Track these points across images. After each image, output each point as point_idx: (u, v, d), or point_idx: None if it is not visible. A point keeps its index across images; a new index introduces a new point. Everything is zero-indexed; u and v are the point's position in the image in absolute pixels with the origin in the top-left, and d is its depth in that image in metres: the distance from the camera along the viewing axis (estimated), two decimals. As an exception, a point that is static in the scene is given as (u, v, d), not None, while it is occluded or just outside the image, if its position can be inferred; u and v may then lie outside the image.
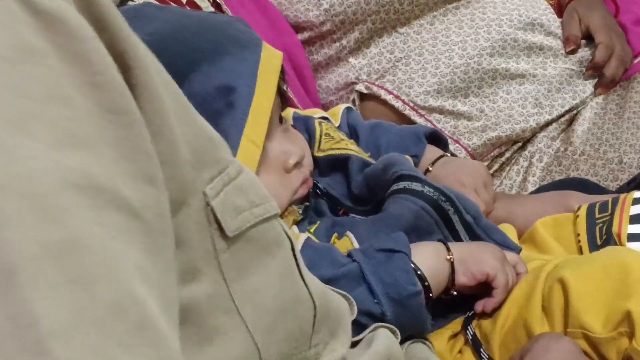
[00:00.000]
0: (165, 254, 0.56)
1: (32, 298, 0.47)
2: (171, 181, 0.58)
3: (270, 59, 0.95)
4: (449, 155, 1.32)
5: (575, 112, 1.71)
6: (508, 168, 1.71)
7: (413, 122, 1.65)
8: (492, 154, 1.69)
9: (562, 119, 1.71)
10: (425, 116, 1.66)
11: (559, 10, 1.82)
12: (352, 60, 1.70)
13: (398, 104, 1.66)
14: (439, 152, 1.28)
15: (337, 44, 1.70)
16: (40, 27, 0.52)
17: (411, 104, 1.66)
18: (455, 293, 0.95)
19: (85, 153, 0.52)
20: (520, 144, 1.71)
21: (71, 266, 0.49)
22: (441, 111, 1.67)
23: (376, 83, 1.68)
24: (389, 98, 1.66)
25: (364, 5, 1.64)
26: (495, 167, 1.71)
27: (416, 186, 1.00)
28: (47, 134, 0.51)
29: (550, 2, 1.83)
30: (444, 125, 1.66)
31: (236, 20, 1.01)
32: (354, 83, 1.70)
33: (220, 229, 0.64)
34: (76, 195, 0.50)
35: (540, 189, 1.41)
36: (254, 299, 0.67)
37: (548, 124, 1.70)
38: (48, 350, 0.46)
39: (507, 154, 1.71)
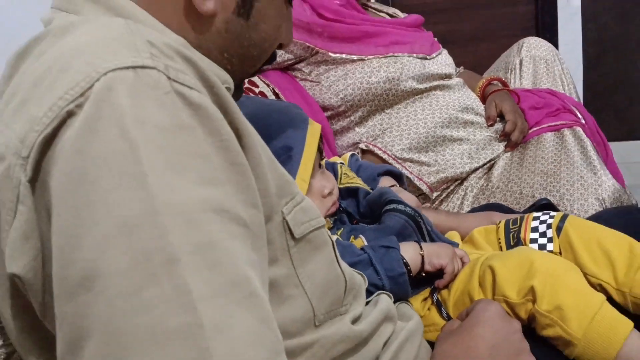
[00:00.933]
0: (262, 250, 0.56)
1: (187, 276, 0.46)
2: (265, 205, 0.58)
3: (313, 129, 0.93)
4: (397, 186, 1.23)
5: (493, 162, 1.68)
6: (452, 196, 1.68)
7: (399, 165, 1.63)
8: (442, 187, 1.66)
9: (485, 166, 1.68)
10: (402, 164, 1.64)
11: (483, 99, 1.78)
12: (357, 129, 1.69)
13: (385, 156, 1.64)
14: (392, 182, 1.22)
15: (348, 119, 1.68)
16: (191, 113, 0.51)
17: (393, 156, 1.64)
18: (424, 274, 0.93)
19: (218, 189, 0.51)
20: (459, 181, 1.67)
21: (210, 257, 0.48)
22: (411, 161, 1.65)
23: (372, 143, 1.66)
24: (379, 153, 1.65)
25: (365, 96, 1.63)
26: (444, 195, 1.67)
27: (401, 207, 0.98)
28: (195, 177, 0.50)
29: (478, 94, 1.80)
30: (413, 169, 1.64)
31: (293, 105, 0.99)
32: (358, 143, 1.68)
33: (291, 234, 0.63)
34: (213, 214, 0.50)
35: (473, 210, 1.38)
36: (311, 277, 0.66)
37: (476, 169, 1.67)
38: (196, 309, 0.46)
39: (451, 187, 1.67)
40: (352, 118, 1.68)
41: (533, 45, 1.94)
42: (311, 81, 1.67)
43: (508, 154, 1.68)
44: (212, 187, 0.51)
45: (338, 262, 0.70)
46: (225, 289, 0.48)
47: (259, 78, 1.54)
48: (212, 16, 0.65)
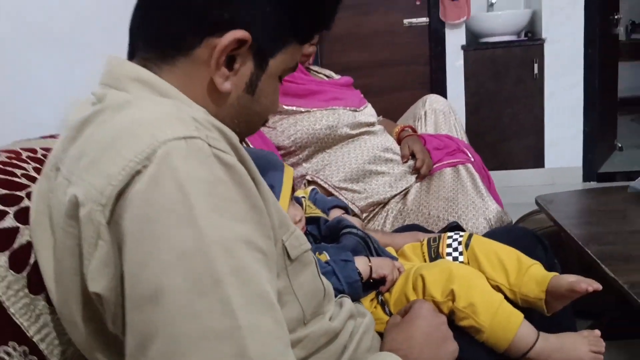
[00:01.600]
0: (274, 270, 0.59)
1: (228, 291, 0.50)
2: (273, 237, 0.61)
3: (288, 171, 0.96)
4: (345, 214, 1.24)
5: (407, 190, 1.72)
6: (377, 217, 1.70)
7: (333, 194, 1.65)
8: (369, 210, 1.69)
9: (402, 193, 1.71)
10: (339, 192, 1.66)
11: (399, 141, 1.82)
12: (304, 164, 1.70)
13: (326, 186, 1.66)
14: (341, 212, 1.24)
15: (297, 157, 1.69)
16: (225, 170, 0.54)
17: (332, 186, 1.66)
18: (372, 281, 0.95)
19: (245, 226, 0.54)
20: (382, 205, 1.70)
21: (243, 277, 0.52)
22: (346, 189, 1.67)
23: (315, 176, 1.68)
24: (322, 183, 1.66)
25: (310, 140, 1.64)
26: (371, 216, 1.70)
27: (354, 230, 1.01)
28: (230, 217, 0.53)
29: (394, 137, 1.85)
30: (347, 196, 1.67)
31: (270, 152, 1.00)
32: (305, 175, 1.69)
33: (289, 256, 0.66)
34: (243, 245, 0.53)
35: (398, 230, 1.39)
36: (301, 288, 0.68)
37: (395, 195, 1.70)
38: (236, 315, 0.50)
39: (376, 210, 1.70)
40: (300, 156, 1.69)
41: (434, 101, 2.03)
42: (268, 127, 1.68)
43: (418, 184, 1.73)
44: (242, 224, 0.54)
45: (319, 276, 0.73)
46: (254, 299, 0.52)
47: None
48: (228, 94, 0.67)
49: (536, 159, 3.47)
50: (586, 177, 3.46)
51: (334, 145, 1.70)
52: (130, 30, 0.69)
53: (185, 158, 0.52)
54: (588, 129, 3.41)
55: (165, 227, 0.50)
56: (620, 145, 4.04)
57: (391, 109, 2.55)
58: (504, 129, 3.46)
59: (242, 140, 0.76)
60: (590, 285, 0.92)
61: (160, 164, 0.51)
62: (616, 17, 3.77)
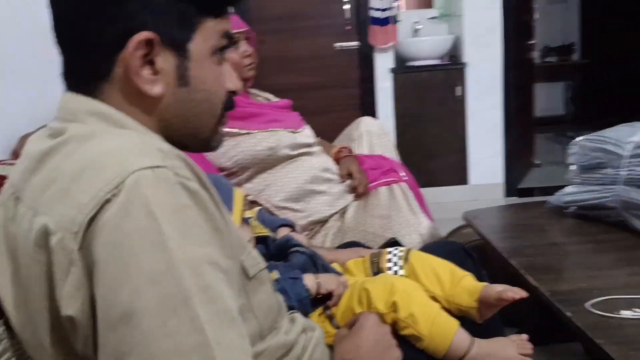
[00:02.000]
0: (235, 288, 0.62)
1: (197, 309, 0.53)
2: (233, 256, 0.64)
3: (238, 194, 1.00)
4: (292, 232, 1.29)
5: (346, 208, 1.78)
6: (317, 235, 1.75)
7: (275, 215, 1.68)
8: (310, 228, 1.74)
9: (340, 212, 1.78)
10: (280, 211, 1.70)
11: (337, 162, 1.89)
12: (246, 185, 1.73)
13: (268, 205, 1.70)
14: (288, 230, 1.28)
15: (239, 177, 1.73)
16: (189, 196, 0.57)
17: (274, 206, 1.70)
18: (319, 296, 0.99)
19: (209, 248, 0.57)
20: (322, 223, 1.76)
21: (210, 294, 0.55)
22: (287, 208, 1.72)
23: (258, 196, 1.71)
24: (264, 203, 1.70)
25: (252, 161, 1.69)
26: (311, 235, 1.75)
27: (302, 249, 1.05)
28: (196, 240, 0.56)
29: (332, 158, 1.90)
30: (288, 215, 1.69)
31: (220, 176, 1.04)
32: (247, 196, 1.58)
33: (247, 275, 0.69)
34: (208, 265, 0.56)
35: (340, 247, 1.42)
36: (259, 305, 0.71)
37: (334, 214, 1.77)
38: (205, 330, 0.52)
39: (317, 228, 1.76)
40: (242, 177, 1.72)
41: (368, 123, 2.13)
42: (209, 149, 1.70)
43: (356, 202, 1.79)
44: (206, 247, 0.57)
45: (274, 292, 0.77)
46: (220, 316, 0.55)
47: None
48: (162, 96, 0.65)
49: (461, 176, 3.64)
50: (508, 193, 3.67)
51: (274, 166, 1.74)
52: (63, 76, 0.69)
53: (153, 186, 0.55)
54: (508, 148, 3.63)
55: (136, 252, 0.53)
56: (538, 162, 4.31)
57: (324, 130, 2.61)
58: (431, 148, 3.62)
59: (214, 133, 0.73)
60: (517, 293, 1.00)
61: (130, 192, 0.54)
62: (531, 42, 4.05)
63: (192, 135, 0.70)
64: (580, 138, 1.71)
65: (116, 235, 0.53)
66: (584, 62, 6.33)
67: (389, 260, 1.14)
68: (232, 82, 0.72)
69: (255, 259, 0.72)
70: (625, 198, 1.53)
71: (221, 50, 0.69)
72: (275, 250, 1.09)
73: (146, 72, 0.63)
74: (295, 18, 3.56)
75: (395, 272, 1.11)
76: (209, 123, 0.70)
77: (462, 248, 1.30)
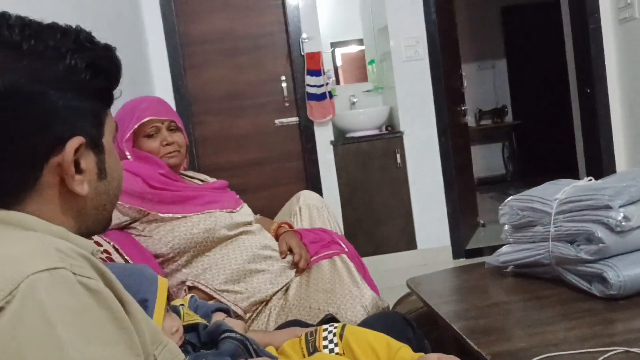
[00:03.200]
0: None
1: None
2: (144, 353, 0.61)
3: (162, 283, 0.97)
4: (227, 317, 1.25)
5: (288, 285, 1.75)
6: (260, 315, 1.71)
7: (214, 298, 1.65)
8: (252, 309, 1.70)
9: (283, 289, 1.74)
10: (221, 294, 1.66)
11: (276, 238, 1.87)
12: (183, 270, 1.69)
13: (207, 290, 1.66)
14: (223, 315, 1.25)
15: (176, 263, 1.69)
16: (91, 295, 0.56)
17: (214, 289, 1.66)
18: None
19: (114, 348, 0.56)
20: (264, 303, 1.72)
21: None
22: (228, 291, 1.67)
23: (196, 280, 1.67)
24: (203, 288, 1.66)
25: (189, 244, 1.65)
26: (254, 315, 1.70)
27: (232, 334, 1.02)
28: (99, 342, 0.55)
29: (272, 234, 1.89)
30: (229, 298, 1.67)
31: (144, 266, 1.00)
32: (185, 281, 1.68)
33: None
34: None
35: (280, 326, 1.41)
36: None
37: (277, 292, 1.73)
38: None
39: (259, 308, 1.71)
40: (179, 262, 1.68)
41: (307, 196, 2.12)
42: (144, 236, 1.67)
43: (298, 278, 1.77)
44: (111, 348, 0.55)
45: None
46: None
47: (101, 237, 1.52)
48: (87, 193, 0.68)
49: (409, 242, 3.68)
50: (455, 255, 3.72)
51: (212, 247, 1.71)
52: None
53: (50, 290, 0.54)
54: (451, 210, 3.72)
55: None
56: (482, 222, 4.42)
57: (269, 205, 2.63)
58: (377, 215, 3.67)
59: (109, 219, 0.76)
60: (451, 361, 1.01)
61: (24, 298, 0.52)
62: (463, 108, 4.25)
63: (103, 219, 0.73)
64: (509, 199, 1.77)
65: (11, 344, 0.51)
66: (516, 123, 6.66)
67: (325, 338, 1.12)
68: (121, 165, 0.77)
69: (172, 352, 0.70)
70: (556, 254, 1.57)
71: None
72: (207, 338, 1.06)
73: (76, 174, 0.66)
74: (236, 97, 3.65)
75: (332, 350, 1.10)
76: (113, 208, 0.75)
77: (402, 318, 1.31)
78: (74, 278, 0.56)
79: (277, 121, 3.69)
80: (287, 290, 1.77)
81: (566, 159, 4.31)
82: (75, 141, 0.65)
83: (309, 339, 1.14)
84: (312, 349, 1.11)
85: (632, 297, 1.40)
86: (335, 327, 1.13)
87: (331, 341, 1.11)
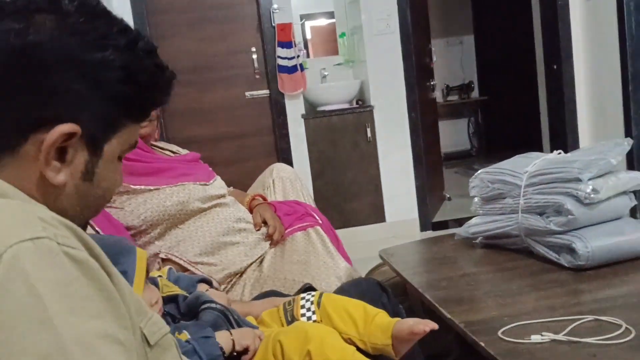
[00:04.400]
0: (134, 356, 0.58)
1: None
2: (132, 326, 0.60)
3: (141, 255, 0.94)
4: (210, 289, 1.23)
5: (263, 257, 1.75)
6: (234, 287, 1.71)
7: (188, 270, 1.64)
8: (227, 280, 1.69)
9: (257, 261, 1.74)
10: (195, 266, 1.65)
11: (250, 210, 1.87)
12: (156, 242, 1.68)
13: (181, 262, 1.65)
14: (206, 287, 1.23)
15: (149, 235, 1.67)
16: (76, 266, 0.54)
17: (188, 261, 1.65)
18: (235, 353, 0.97)
19: (102, 320, 0.54)
20: (239, 274, 1.72)
21: None
22: (202, 263, 1.67)
23: (170, 253, 1.66)
24: (177, 260, 1.65)
25: (161, 217, 1.63)
26: (229, 287, 1.70)
27: (213, 305, 1.02)
28: (86, 314, 0.53)
29: (246, 207, 1.88)
30: (203, 270, 1.66)
31: (122, 238, 0.99)
32: (158, 254, 1.67)
33: (148, 342, 0.65)
34: (101, 340, 0.53)
35: (257, 297, 1.41)
36: None
37: (251, 264, 1.73)
38: None
39: (234, 280, 1.71)
40: (152, 234, 1.66)
41: (280, 169, 2.12)
42: (116, 207, 1.63)
43: (273, 250, 1.77)
44: (99, 320, 0.54)
45: (180, 358, 0.73)
46: None
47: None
48: (64, 186, 0.65)
49: (378, 215, 3.72)
50: (423, 227, 3.78)
51: (186, 220, 1.70)
52: None
53: (34, 260, 0.52)
54: (419, 184, 3.76)
55: (21, 333, 0.49)
56: (448, 195, 4.49)
57: (240, 179, 2.61)
58: (347, 189, 3.68)
59: (86, 224, 0.75)
60: (427, 325, 1.03)
61: (9, 268, 0.51)
62: (432, 83, 4.27)
63: (78, 222, 0.68)
64: (480, 171, 1.80)
65: None
66: (482, 99, 6.74)
67: (303, 307, 1.13)
68: (121, 182, 0.74)
69: (156, 324, 0.68)
70: (525, 225, 1.61)
71: (125, 154, 0.72)
72: (186, 309, 1.05)
73: (54, 159, 0.63)
74: (205, 69, 3.58)
75: (309, 318, 1.11)
76: (92, 215, 0.72)
77: (376, 284, 1.32)
78: (58, 248, 0.54)
79: (247, 94, 3.65)
80: (261, 262, 1.77)
81: (530, 135, 4.39)
82: (68, 127, 0.62)
83: (287, 308, 1.15)
84: (291, 318, 1.12)
85: (599, 268, 1.46)
86: (312, 296, 1.15)
87: (309, 309, 1.12)
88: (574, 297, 1.36)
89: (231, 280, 1.72)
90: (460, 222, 3.68)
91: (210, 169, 1.90)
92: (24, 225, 0.54)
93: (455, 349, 1.78)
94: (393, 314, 1.12)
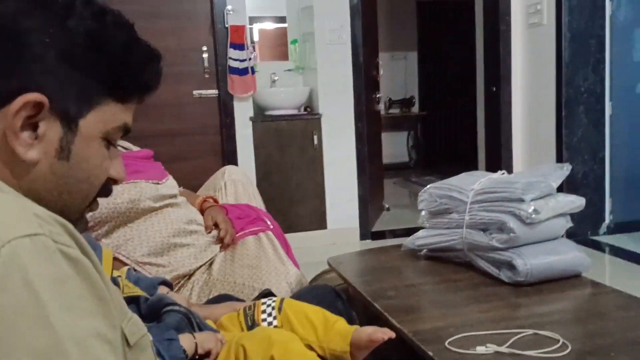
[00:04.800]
0: (119, 356, 0.60)
1: None
2: (117, 325, 0.61)
3: (107, 254, 0.95)
4: (171, 292, 1.25)
5: (212, 260, 1.74)
6: (182, 289, 1.69)
7: (136, 270, 1.59)
8: (175, 282, 1.66)
9: (207, 264, 1.73)
10: (142, 267, 1.62)
11: (202, 212, 1.85)
12: (103, 240, 1.63)
13: (128, 262, 1.61)
14: (166, 289, 1.23)
15: (95, 233, 1.61)
16: (70, 265, 0.54)
17: (135, 261, 1.62)
18: (197, 357, 0.96)
19: (94, 319, 0.55)
20: (188, 277, 1.70)
21: None
22: (150, 264, 1.64)
23: (116, 251, 1.62)
24: (123, 259, 1.61)
25: (110, 214, 1.59)
26: (176, 289, 1.66)
27: (176, 308, 1.01)
28: (80, 312, 0.54)
29: (197, 208, 1.87)
30: (150, 271, 1.63)
31: (88, 235, 0.98)
32: None
33: (127, 343, 0.64)
34: (94, 339, 0.54)
35: (211, 301, 1.39)
36: None
37: (201, 266, 1.71)
38: None
39: (182, 282, 1.69)
40: (99, 232, 1.62)
41: (232, 172, 2.12)
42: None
43: (223, 254, 1.76)
44: (91, 319, 0.55)
45: (155, 357, 0.73)
46: None
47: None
48: (35, 163, 0.62)
49: (320, 221, 3.76)
50: (362, 236, 3.85)
51: (136, 219, 1.66)
52: None
53: (32, 256, 0.52)
54: (361, 193, 3.83)
55: (18, 329, 0.49)
56: (387, 206, 4.59)
57: (185, 177, 2.57)
58: (291, 194, 3.71)
59: (80, 216, 0.71)
60: (386, 334, 1.06)
61: (6, 263, 0.50)
62: (377, 95, 4.36)
63: (59, 211, 0.64)
64: (429, 186, 1.86)
65: None
66: (422, 114, 6.95)
67: (263, 312, 1.14)
68: (118, 171, 0.71)
69: (136, 325, 0.68)
70: (469, 240, 1.68)
71: (114, 139, 0.69)
72: (147, 311, 1.04)
73: (25, 134, 0.61)
74: (153, 64, 3.49)
75: (270, 323, 1.12)
76: (79, 205, 0.69)
77: (331, 290, 1.35)
78: (54, 246, 0.54)
79: (195, 92, 3.60)
80: (211, 265, 1.75)
81: (466, 152, 4.57)
82: (33, 96, 0.59)
83: (248, 312, 1.15)
84: (251, 323, 1.13)
85: (537, 284, 1.54)
86: (273, 301, 1.15)
87: (270, 314, 1.13)
88: (514, 311, 1.43)
89: (179, 282, 1.70)
90: (396, 233, 3.81)
91: (163, 167, 1.86)
92: (20, 222, 0.54)
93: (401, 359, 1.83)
94: (348, 319, 1.14)
